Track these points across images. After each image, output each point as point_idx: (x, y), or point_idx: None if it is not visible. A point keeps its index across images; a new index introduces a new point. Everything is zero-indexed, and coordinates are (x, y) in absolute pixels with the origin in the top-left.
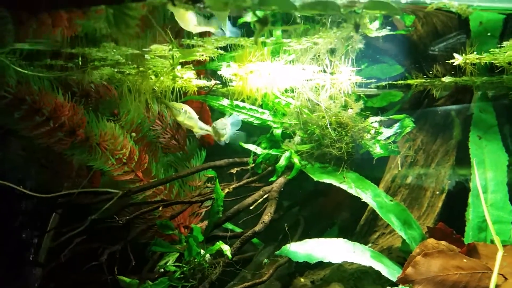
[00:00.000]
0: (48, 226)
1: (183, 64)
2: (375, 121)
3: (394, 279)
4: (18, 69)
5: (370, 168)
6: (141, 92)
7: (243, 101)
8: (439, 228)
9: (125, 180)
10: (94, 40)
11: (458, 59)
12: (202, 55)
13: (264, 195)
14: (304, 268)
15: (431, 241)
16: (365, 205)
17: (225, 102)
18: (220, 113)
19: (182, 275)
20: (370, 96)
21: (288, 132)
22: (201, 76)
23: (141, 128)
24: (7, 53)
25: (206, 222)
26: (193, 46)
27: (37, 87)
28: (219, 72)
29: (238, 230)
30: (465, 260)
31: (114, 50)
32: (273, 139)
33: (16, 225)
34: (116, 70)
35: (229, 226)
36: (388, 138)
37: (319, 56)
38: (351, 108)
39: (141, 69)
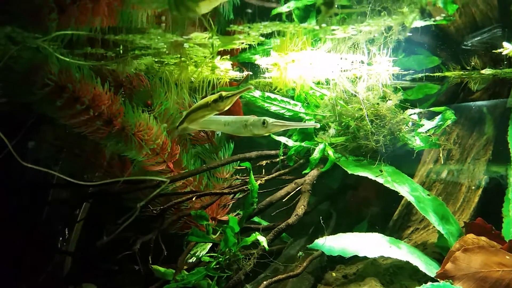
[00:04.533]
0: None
1: (221, 55)
2: (414, 113)
3: (431, 275)
4: (60, 57)
5: (402, 162)
6: (179, 83)
7: (274, 93)
8: (477, 223)
9: (156, 170)
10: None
11: (508, 48)
12: (242, 43)
13: (296, 188)
14: (333, 263)
15: (471, 236)
16: (395, 200)
17: (256, 93)
18: (245, 105)
19: (217, 266)
20: (405, 88)
21: (321, 124)
22: (234, 67)
23: (173, 119)
24: (49, 40)
25: (233, 214)
26: (238, 32)
27: (77, 75)
28: (256, 62)
29: (265, 223)
30: (507, 257)
31: (159, 37)
32: (304, 131)
33: (54, 213)
34: (155, 59)
35: (256, 219)
36: (428, 130)
37: (357, 45)
38: (390, 100)
39: (183, 59)
